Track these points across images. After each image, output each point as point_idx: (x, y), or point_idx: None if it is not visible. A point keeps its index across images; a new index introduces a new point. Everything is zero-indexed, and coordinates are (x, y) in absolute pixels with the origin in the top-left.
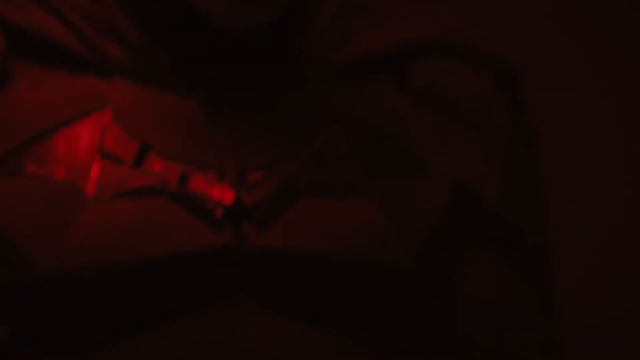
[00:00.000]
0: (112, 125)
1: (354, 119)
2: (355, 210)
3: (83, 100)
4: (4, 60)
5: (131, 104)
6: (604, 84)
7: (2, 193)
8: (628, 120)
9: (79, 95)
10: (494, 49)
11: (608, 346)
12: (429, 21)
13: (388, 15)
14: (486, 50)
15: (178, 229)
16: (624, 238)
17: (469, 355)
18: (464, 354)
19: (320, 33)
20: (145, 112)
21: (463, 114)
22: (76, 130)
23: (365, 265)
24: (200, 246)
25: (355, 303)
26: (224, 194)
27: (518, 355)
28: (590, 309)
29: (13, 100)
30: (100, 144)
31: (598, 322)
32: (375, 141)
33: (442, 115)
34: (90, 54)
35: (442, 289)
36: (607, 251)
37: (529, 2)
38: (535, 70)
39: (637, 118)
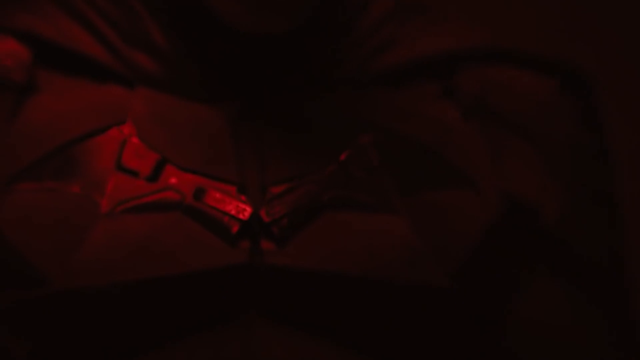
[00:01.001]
0: (131, 138)
1: (389, 130)
2: (383, 227)
3: (106, 112)
4: (31, 71)
5: (153, 114)
6: None
7: (19, 207)
8: None
9: (102, 106)
10: (559, 53)
11: None
12: (482, 26)
13: (438, 19)
14: (550, 56)
15: (192, 245)
16: None
17: None
18: None
19: (360, 38)
20: (167, 123)
21: (520, 126)
22: (96, 143)
23: (391, 284)
24: (214, 264)
25: (382, 324)
26: (241, 209)
27: None
28: None
29: (37, 111)
30: (118, 157)
31: None
32: (413, 153)
33: (495, 128)
34: (118, 64)
35: (485, 311)
36: None
37: (597, 5)
38: (609, 77)
39: None
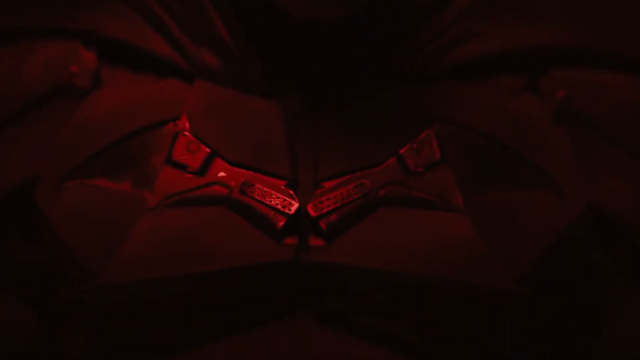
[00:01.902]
0: (184, 132)
1: (459, 123)
2: (441, 225)
3: (163, 106)
4: (95, 74)
5: (209, 108)
6: None
7: (71, 204)
8: None
9: (159, 101)
10: None
11: None
12: (575, 24)
13: (530, 16)
14: None
15: (235, 240)
16: None
17: None
18: None
19: (440, 29)
20: (222, 117)
21: (614, 133)
22: (150, 138)
23: (447, 286)
24: (257, 260)
25: (435, 327)
26: (287, 203)
27: None
28: None
29: (96, 107)
30: (169, 151)
31: None
32: (483, 148)
33: (584, 131)
34: (180, 58)
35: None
36: None
37: None
38: None
39: None
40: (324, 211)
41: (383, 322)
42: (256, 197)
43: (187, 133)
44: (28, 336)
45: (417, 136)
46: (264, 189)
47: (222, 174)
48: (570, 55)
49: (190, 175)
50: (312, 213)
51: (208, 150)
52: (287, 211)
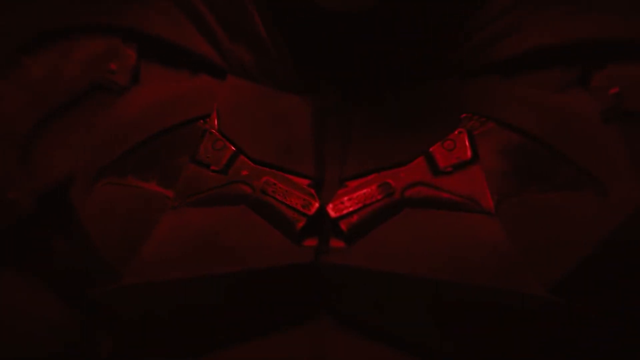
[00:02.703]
0: (212, 130)
1: (496, 119)
2: (468, 228)
3: (194, 103)
4: (134, 71)
5: (238, 105)
6: None
7: (100, 202)
8: None
9: (191, 98)
10: None
11: None
12: (630, 19)
13: (581, 9)
14: None
15: (254, 240)
16: None
17: None
18: None
19: (484, 22)
20: (251, 114)
21: None
22: (179, 136)
23: (473, 291)
24: (275, 262)
25: (460, 335)
26: (307, 203)
27: None
28: None
29: (130, 105)
30: (195, 149)
31: None
32: (521, 146)
33: (637, 133)
34: (215, 54)
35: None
36: None
37: None
38: None
39: None
40: (344, 212)
41: (405, 328)
42: (277, 196)
43: (214, 131)
44: (67, 335)
45: (449, 134)
46: (285, 188)
47: (244, 172)
48: (626, 49)
49: (213, 174)
50: (332, 214)
51: (233, 148)
52: (306, 212)
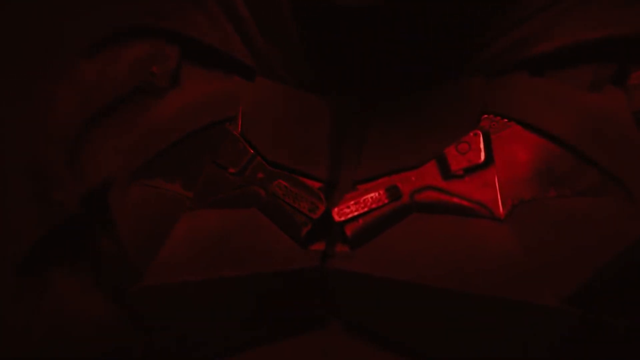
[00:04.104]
0: (234, 132)
1: (518, 121)
2: (478, 234)
3: (223, 104)
4: (175, 73)
5: (262, 106)
6: None
7: (131, 203)
8: None
9: (221, 99)
10: None
11: None
12: None
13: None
14: None
15: (262, 244)
16: None
17: None
18: None
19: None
20: (272, 116)
21: None
22: (205, 138)
23: (481, 299)
24: (280, 266)
25: (467, 342)
26: (314, 207)
27: None
28: None
29: (166, 106)
30: (216, 151)
31: None
32: (541, 147)
33: None
34: (248, 55)
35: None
36: None
37: None
38: None
39: None
40: (349, 216)
41: (410, 335)
42: (287, 199)
43: (235, 133)
44: (116, 335)
45: (465, 135)
46: (296, 191)
47: (260, 174)
48: None
49: (230, 176)
50: (337, 218)
51: (252, 151)
52: (312, 215)
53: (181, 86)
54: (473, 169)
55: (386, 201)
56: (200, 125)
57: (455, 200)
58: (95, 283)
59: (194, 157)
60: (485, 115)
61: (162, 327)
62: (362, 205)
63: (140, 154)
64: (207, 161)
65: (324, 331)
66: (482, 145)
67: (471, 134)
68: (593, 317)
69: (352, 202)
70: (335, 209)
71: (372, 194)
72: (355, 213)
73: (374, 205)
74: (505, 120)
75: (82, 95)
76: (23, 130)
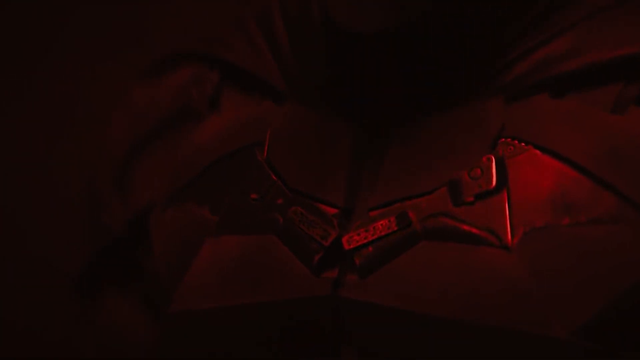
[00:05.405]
0: (259, 157)
1: (535, 145)
2: (486, 263)
3: (254, 129)
4: (213, 97)
5: (288, 131)
6: None
7: (165, 227)
8: None
9: (252, 124)
10: None
11: None
12: None
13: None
14: None
15: (277, 271)
16: None
17: None
18: None
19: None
20: (296, 141)
21: None
22: (234, 163)
23: (489, 330)
24: (293, 294)
25: None
26: (327, 234)
27: None
28: None
29: (207, 130)
30: (241, 177)
31: None
32: (562, 176)
33: None
34: (286, 82)
35: None
36: None
37: None
38: None
39: None
40: (359, 243)
41: None
42: (302, 226)
43: (260, 158)
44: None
45: (478, 160)
46: (312, 218)
47: (279, 200)
48: None
49: (253, 202)
50: (346, 246)
51: (274, 177)
52: (324, 242)
53: (220, 110)
54: (484, 195)
55: (395, 228)
56: (230, 150)
57: (465, 227)
58: (141, 304)
59: (221, 181)
60: (503, 139)
61: (187, 353)
62: (372, 232)
63: (178, 178)
64: (233, 186)
65: (338, 359)
66: (494, 171)
67: (484, 158)
68: (605, 351)
69: (363, 230)
70: (346, 237)
71: (383, 221)
72: (365, 241)
73: (383, 233)
74: (523, 144)
75: (131, 120)
76: (81, 155)
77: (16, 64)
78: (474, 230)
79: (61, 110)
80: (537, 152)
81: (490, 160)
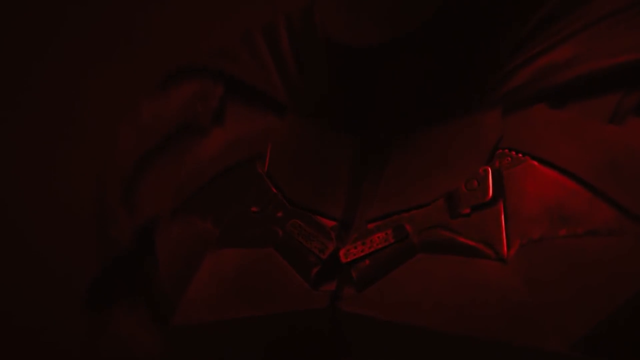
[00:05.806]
0: (259, 170)
1: (532, 156)
2: (483, 276)
3: (255, 142)
4: (218, 111)
5: (288, 144)
6: None
7: (170, 240)
8: None
9: (255, 136)
10: None
11: None
12: None
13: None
14: None
15: (275, 284)
16: None
17: None
18: None
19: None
20: (296, 154)
21: None
22: (236, 176)
23: (487, 345)
24: (290, 307)
25: None
26: (324, 247)
27: None
28: None
29: (210, 144)
30: (241, 190)
31: None
32: (560, 187)
33: None
34: (282, 93)
35: None
36: None
37: None
38: None
39: None
40: (356, 257)
41: None
42: (300, 239)
43: (260, 171)
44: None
45: (473, 172)
46: (310, 231)
47: (279, 214)
48: None
49: (254, 215)
50: (343, 259)
51: (274, 190)
52: (321, 256)
53: (224, 123)
54: (480, 207)
55: (392, 241)
56: (232, 163)
57: (461, 239)
58: (148, 317)
59: (224, 194)
60: (500, 150)
61: None
62: (369, 245)
63: (182, 192)
64: (234, 199)
65: None
66: (490, 182)
67: (481, 170)
68: None
69: (360, 243)
70: (343, 250)
71: (380, 234)
72: (361, 254)
73: (380, 246)
74: (520, 155)
75: (138, 134)
76: (90, 169)
77: (16, 64)
78: (470, 243)
79: (61, 111)
80: (535, 163)
81: (486, 172)
